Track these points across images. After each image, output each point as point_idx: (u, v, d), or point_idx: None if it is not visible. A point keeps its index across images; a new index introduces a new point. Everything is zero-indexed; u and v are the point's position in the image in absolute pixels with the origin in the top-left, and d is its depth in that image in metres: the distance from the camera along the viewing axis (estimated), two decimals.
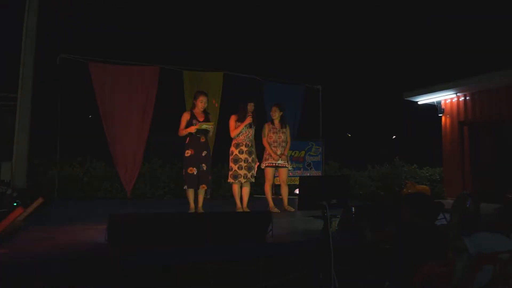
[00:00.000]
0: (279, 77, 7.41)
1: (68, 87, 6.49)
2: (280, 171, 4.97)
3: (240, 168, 4.62)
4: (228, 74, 6.70)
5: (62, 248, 2.69)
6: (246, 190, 4.75)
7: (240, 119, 4.66)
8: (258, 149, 4.99)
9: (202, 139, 4.45)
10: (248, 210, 4.66)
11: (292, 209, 4.86)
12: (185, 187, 4.42)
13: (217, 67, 6.74)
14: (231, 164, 4.66)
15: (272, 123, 4.99)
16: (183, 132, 4.45)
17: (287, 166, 4.95)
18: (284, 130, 4.99)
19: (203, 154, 4.43)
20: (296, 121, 7.33)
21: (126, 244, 2.60)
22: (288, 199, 5.08)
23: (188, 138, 4.47)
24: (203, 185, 4.43)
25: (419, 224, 2.43)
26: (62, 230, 3.34)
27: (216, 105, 6.45)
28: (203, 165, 4.41)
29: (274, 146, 4.91)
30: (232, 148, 4.70)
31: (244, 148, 4.65)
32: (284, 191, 5.01)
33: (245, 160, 4.64)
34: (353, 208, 3.22)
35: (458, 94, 7.14)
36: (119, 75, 5.83)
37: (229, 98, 6.36)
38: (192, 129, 4.37)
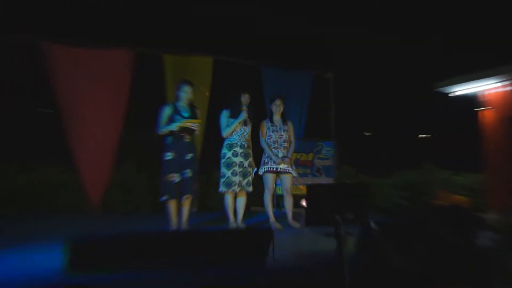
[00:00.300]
0: (282, 62, 7.40)
1: (31, 76, 6.47)
2: (283, 178, 4.97)
3: (234, 174, 4.60)
4: (220, 60, 6.67)
5: (12, 277, 2.65)
6: (241, 201, 4.75)
7: (233, 115, 4.65)
8: (256, 151, 4.97)
9: (187, 139, 4.44)
10: (244, 226, 4.65)
11: (298, 225, 4.85)
12: (164, 198, 4.39)
13: (206, 51, 6.72)
14: (223, 170, 4.65)
15: (271, 119, 4.99)
16: (163, 130, 4.42)
17: (291, 171, 4.94)
18: (286, 127, 4.99)
19: (187, 157, 4.42)
20: (302, 117, 7.32)
21: (91, 272, 2.57)
22: (293, 212, 5.07)
23: (168, 138, 4.45)
24: (188, 196, 4.41)
25: (454, 243, 2.41)
26: (10, 253, 3.30)
27: (207, 93, 6.42)
28: (187, 170, 4.40)
29: (274, 147, 4.91)
30: (224, 150, 4.69)
31: (238, 150, 4.65)
32: (288, 203, 5.01)
33: (240, 165, 4.63)
34: (373, 224, 3.20)
35: (507, 82, 7.06)
36: (83, 60, 5.78)
37: (221, 89, 6.34)
38: (174, 126, 4.36)
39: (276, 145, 4.92)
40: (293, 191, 5.40)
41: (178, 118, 4.41)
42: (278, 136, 4.92)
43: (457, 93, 7.58)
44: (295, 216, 5.08)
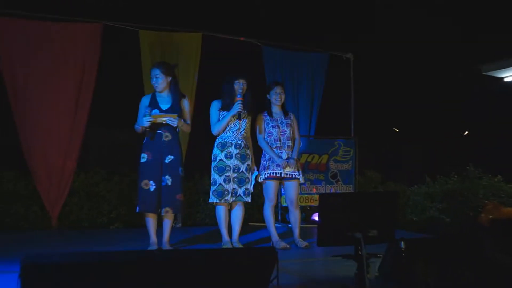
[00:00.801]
0: (289, 40, 7.39)
1: None
2: (287, 185, 4.97)
3: (227, 180, 4.61)
4: (210, 36, 6.67)
5: None
6: (237, 214, 4.75)
7: (225, 107, 4.64)
8: (257, 152, 4.96)
9: (166, 137, 4.44)
10: (241, 246, 4.65)
11: (306, 244, 4.86)
12: (137, 209, 4.41)
13: (194, 25, 6.71)
14: (214, 175, 4.66)
15: (270, 112, 4.97)
16: (136, 127, 4.48)
17: (297, 177, 4.94)
18: (289, 121, 4.99)
19: (167, 161, 4.43)
20: (314, 109, 7.32)
21: None
22: (302, 228, 5.07)
23: (145, 136, 4.47)
24: (167, 209, 4.41)
25: (506, 265, 2.40)
26: None
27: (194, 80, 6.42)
28: (167, 177, 4.41)
29: (276, 147, 4.91)
30: (216, 151, 4.70)
31: (233, 151, 4.64)
32: (294, 216, 5.01)
33: (235, 169, 4.63)
34: (403, 243, 3.20)
35: None
36: (39, 36, 5.80)
37: (211, 74, 6.33)
38: (145, 122, 4.35)
39: (278, 144, 4.90)
40: (301, 202, 5.40)
41: (148, 111, 4.39)
42: (280, 132, 4.91)
43: (509, 78, 7.53)
44: (305, 233, 5.07)
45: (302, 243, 4.87)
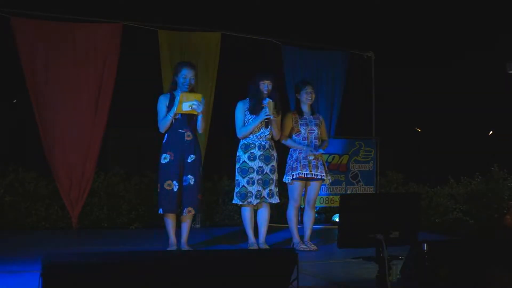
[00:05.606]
0: (309, 39, 7.36)
1: None
2: (312, 185, 4.95)
3: (251, 182, 4.60)
4: (229, 36, 6.68)
5: None
6: (262, 215, 4.74)
7: (252, 109, 4.62)
8: (281, 152, 4.95)
9: (188, 137, 4.47)
10: (268, 247, 4.67)
11: (315, 248, 4.83)
12: (160, 210, 4.43)
13: (213, 25, 6.73)
14: (237, 177, 4.67)
15: (298, 110, 4.95)
16: (162, 125, 4.45)
17: (324, 178, 4.91)
18: (317, 121, 4.98)
19: (189, 160, 4.45)
20: (334, 108, 7.27)
21: None
22: (323, 229, 5.04)
23: (166, 135, 4.50)
24: (189, 209, 4.44)
25: None
26: None
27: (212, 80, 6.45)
28: (189, 176, 4.43)
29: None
30: (239, 152, 4.71)
31: (257, 152, 4.63)
32: (309, 217, 4.99)
33: (259, 171, 4.62)
34: (425, 245, 3.17)
35: None
36: (59, 37, 5.87)
37: (231, 73, 6.34)
38: (169, 119, 4.37)
39: (305, 143, 4.88)
40: (322, 203, 5.37)
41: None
42: (309, 131, 4.89)
43: None
44: (328, 234, 5.04)
45: (313, 247, 4.85)
